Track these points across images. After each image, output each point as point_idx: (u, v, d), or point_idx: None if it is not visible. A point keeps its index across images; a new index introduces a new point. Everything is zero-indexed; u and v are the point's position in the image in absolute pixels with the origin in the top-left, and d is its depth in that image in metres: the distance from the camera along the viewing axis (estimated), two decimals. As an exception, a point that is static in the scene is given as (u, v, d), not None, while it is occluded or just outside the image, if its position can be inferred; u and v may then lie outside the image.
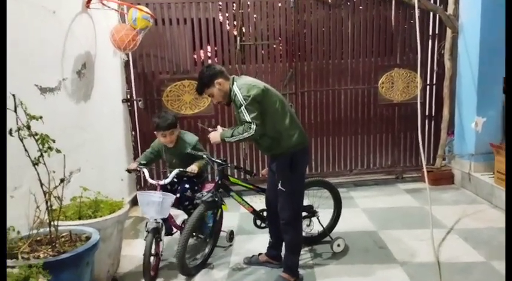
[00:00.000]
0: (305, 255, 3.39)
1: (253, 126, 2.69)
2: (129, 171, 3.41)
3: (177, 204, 3.34)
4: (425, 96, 5.41)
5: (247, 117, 2.69)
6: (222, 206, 3.30)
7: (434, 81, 5.42)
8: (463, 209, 4.32)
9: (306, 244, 3.50)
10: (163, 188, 3.19)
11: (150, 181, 3.14)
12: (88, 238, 2.44)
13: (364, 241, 3.64)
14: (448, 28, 5.11)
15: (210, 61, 5.10)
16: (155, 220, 2.99)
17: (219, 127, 3.06)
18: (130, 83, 4.97)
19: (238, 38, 4.98)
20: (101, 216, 2.84)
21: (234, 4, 4.96)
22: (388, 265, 3.20)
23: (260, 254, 3.31)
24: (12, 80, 2.57)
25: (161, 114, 3.49)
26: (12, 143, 2.20)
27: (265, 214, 3.33)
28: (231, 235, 3.65)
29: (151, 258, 2.96)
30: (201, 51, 5.23)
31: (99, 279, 2.86)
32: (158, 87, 5.03)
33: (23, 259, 2.16)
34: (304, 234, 3.23)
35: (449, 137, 5.47)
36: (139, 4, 4.23)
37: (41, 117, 2.26)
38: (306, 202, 3.23)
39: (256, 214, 3.37)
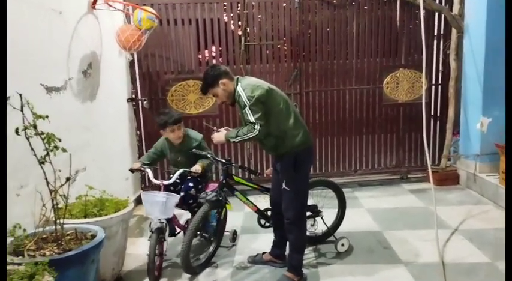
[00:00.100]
0: (309, 254, 3.39)
1: (257, 127, 2.70)
2: (132, 170, 3.41)
3: (181, 204, 3.34)
4: (430, 96, 5.39)
5: (252, 118, 2.71)
6: (227, 205, 3.31)
7: (439, 82, 5.40)
8: (468, 210, 4.31)
9: (310, 244, 3.50)
10: (167, 188, 3.20)
11: (154, 181, 3.15)
12: (93, 236, 2.46)
13: (369, 241, 3.64)
14: (453, 28, 5.09)
15: (214, 61, 5.12)
16: (159, 220, 3.00)
17: (222, 129, 3.08)
18: (135, 83, 4.99)
19: (242, 38, 4.99)
20: (106, 214, 2.86)
21: (239, 4, 4.97)
22: (392, 265, 3.19)
23: (264, 253, 3.32)
24: (18, 79, 2.61)
25: (164, 112, 3.52)
26: (18, 142, 2.22)
27: (269, 213, 3.34)
28: (234, 235, 3.66)
29: (155, 258, 2.98)
30: (206, 51, 5.25)
31: (104, 277, 2.89)
32: (163, 87, 5.05)
33: (29, 256, 2.19)
34: (308, 233, 3.23)
35: (455, 138, 5.45)
36: (144, 5, 4.26)
37: (47, 117, 2.27)
38: (310, 202, 3.23)
39: (261, 213, 3.38)
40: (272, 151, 3.02)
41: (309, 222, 3.39)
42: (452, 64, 5.16)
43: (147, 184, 5.08)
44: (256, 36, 5.05)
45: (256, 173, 3.73)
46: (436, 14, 5.21)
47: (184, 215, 3.92)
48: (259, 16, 5.04)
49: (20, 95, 2.18)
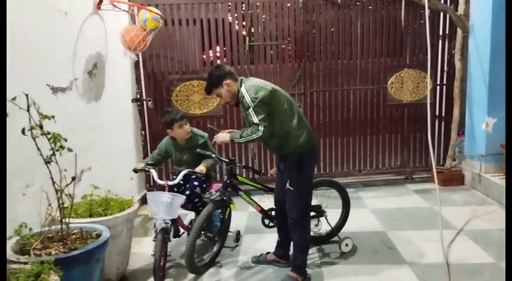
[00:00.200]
0: (313, 254, 3.39)
1: (261, 128, 2.72)
2: (135, 171, 3.41)
3: (186, 204, 3.35)
4: (435, 96, 5.37)
5: (255, 119, 2.72)
6: (231, 205, 3.32)
7: (444, 82, 5.38)
8: (473, 210, 4.29)
9: (314, 244, 3.50)
10: (171, 189, 3.21)
11: (159, 181, 3.16)
12: (98, 236, 2.48)
13: (373, 241, 3.64)
14: (458, 28, 5.07)
15: (218, 61, 5.13)
16: (164, 220, 3.00)
17: (226, 131, 3.08)
18: (140, 83, 5.02)
19: (247, 39, 5.00)
20: (111, 214, 2.87)
21: (243, 5, 4.98)
22: (396, 266, 3.19)
23: (268, 253, 3.33)
24: (25, 79, 2.63)
25: (168, 111, 3.56)
26: (25, 142, 2.24)
27: (273, 213, 3.35)
28: (237, 235, 3.66)
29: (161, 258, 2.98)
30: (210, 51, 5.26)
31: (109, 276, 2.90)
32: (167, 87, 5.07)
33: (35, 255, 2.20)
34: (312, 234, 3.24)
35: (460, 138, 5.43)
36: (149, 5, 4.28)
37: (53, 117, 2.28)
38: (314, 202, 3.23)
39: (265, 213, 3.38)
40: (276, 151, 3.03)
41: (313, 222, 3.39)
42: (458, 64, 5.14)
43: (152, 184, 5.10)
44: (261, 37, 5.06)
45: (260, 173, 3.74)
46: (441, 14, 5.19)
47: (188, 216, 3.94)
48: (264, 16, 5.05)
49: (27, 95, 2.19)
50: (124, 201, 3.09)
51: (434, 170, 3.55)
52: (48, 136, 2.26)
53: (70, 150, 2.33)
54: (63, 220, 2.39)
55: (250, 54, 5.05)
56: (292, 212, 2.92)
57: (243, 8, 5.02)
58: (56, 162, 2.29)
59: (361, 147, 5.43)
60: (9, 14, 2.43)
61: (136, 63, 4.96)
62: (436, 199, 3.16)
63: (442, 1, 5.09)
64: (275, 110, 2.80)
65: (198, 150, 3.35)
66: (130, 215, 2.99)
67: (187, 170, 3.22)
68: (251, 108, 2.73)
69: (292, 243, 3.08)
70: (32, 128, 2.20)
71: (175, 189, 3.35)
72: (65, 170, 2.36)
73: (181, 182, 3.30)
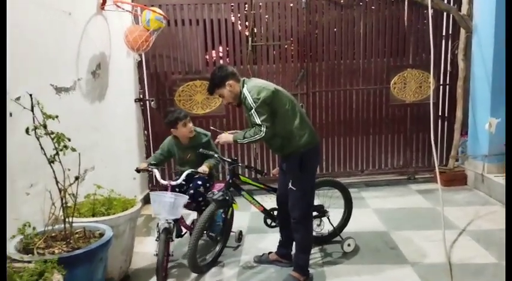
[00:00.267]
0: (315, 254, 3.40)
1: (264, 129, 2.74)
2: (138, 170, 3.42)
3: (189, 204, 3.36)
4: (438, 96, 5.36)
5: (258, 120, 2.74)
6: (233, 205, 3.32)
7: (447, 82, 5.37)
8: (475, 211, 4.28)
9: (316, 244, 3.50)
10: (173, 189, 3.21)
11: (161, 181, 3.17)
12: (101, 235, 2.49)
13: (375, 241, 3.64)
14: (461, 28, 5.06)
15: (221, 61, 5.14)
16: (166, 220, 3.01)
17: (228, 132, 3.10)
18: (143, 83, 5.03)
19: (250, 39, 5.00)
20: (114, 213, 2.89)
21: (246, 5, 4.99)
22: (398, 266, 3.19)
23: (270, 252, 3.34)
24: (29, 79, 2.65)
25: (170, 110, 3.58)
26: (29, 142, 2.26)
27: (275, 213, 3.35)
28: (240, 235, 3.67)
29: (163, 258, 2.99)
30: (213, 51, 5.28)
31: (112, 275, 2.91)
32: (170, 87, 5.09)
33: (38, 254, 2.22)
34: (314, 234, 3.24)
35: (463, 138, 5.42)
36: (152, 6, 4.30)
37: (57, 117, 2.30)
38: (316, 202, 3.24)
39: (267, 213, 3.39)
40: (278, 151, 3.05)
41: (315, 222, 3.39)
42: (461, 64, 5.14)
43: (155, 184, 5.12)
44: (263, 37, 5.07)
45: (262, 173, 3.74)
46: (445, 13, 5.18)
47: (190, 216, 3.95)
48: (267, 16, 5.06)
49: (31, 95, 2.21)
50: (127, 201, 3.11)
51: (437, 170, 3.55)
52: (52, 136, 2.28)
53: (74, 150, 2.34)
54: (67, 219, 2.40)
55: (253, 54, 5.06)
56: (294, 212, 2.92)
57: (246, 8, 5.02)
58: (60, 161, 2.31)
59: (364, 147, 5.43)
60: (13, 14, 2.45)
61: (140, 64, 4.98)
62: (439, 199, 3.17)
63: (445, 1, 5.08)
64: (277, 111, 2.81)
65: (201, 150, 3.36)
66: (133, 215, 3.00)
67: (190, 170, 3.23)
68: (253, 109, 2.75)
69: (294, 243, 3.08)
70: (35, 128, 2.22)
71: (177, 189, 3.36)
72: (69, 170, 2.37)
73: (184, 182, 3.30)
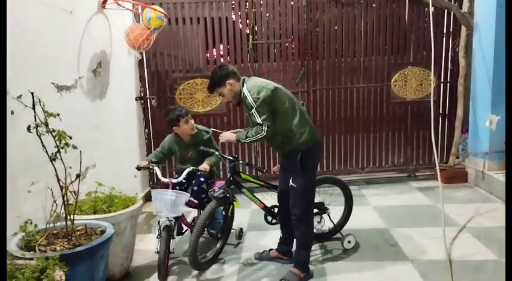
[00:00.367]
0: (316, 251, 3.41)
1: (265, 128, 2.76)
2: (138, 168, 3.43)
3: (190, 202, 3.37)
4: (439, 94, 5.37)
5: (259, 120, 2.75)
6: (234, 202, 3.33)
7: (448, 79, 5.37)
8: (476, 208, 4.29)
9: (316, 241, 3.52)
10: (174, 186, 3.22)
11: (162, 179, 3.18)
12: (103, 232, 2.51)
13: (375, 239, 3.65)
14: (462, 26, 5.06)
15: (222, 60, 5.15)
16: (167, 218, 3.02)
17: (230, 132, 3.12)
18: (144, 81, 5.05)
19: (250, 37, 5.01)
20: (115, 211, 2.90)
21: (247, 3, 5.00)
22: (399, 262, 3.19)
23: (271, 249, 3.35)
24: (30, 78, 2.66)
25: (171, 108, 3.58)
26: (30, 140, 2.27)
27: (276, 210, 3.37)
28: (240, 232, 3.69)
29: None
30: (214, 50, 5.28)
31: (113, 272, 2.94)
32: (171, 85, 5.10)
33: (40, 251, 2.24)
34: (315, 231, 3.25)
35: (463, 135, 5.42)
36: (153, 4, 4.30)
37: (58, 115, 2.31)
38: (317, 199, 3.25)
39: (267, 210, 3.40)
40: (279, 149, 3.06)
41: (316, 219, 3.40)
42: (462, 62, 5.13)
43: (156, 182, 5.13)
44: (264, 35, 5.07)
45: (263, 171, 3.75)
46: (445, 11, 5.17)
47: (191, 213, 3.96)
48: (267, 14, 5.06)
49: (32, 93, 2.22)
50: (128, 198, 3.12)
51: (438, 168, 3.56)
52: (53, 134, 2.29)
53: (75, 147, 2.35)
54: (68, 217, 2.42)
55: (254, 52, 5.07)
56: (295, 209, 2.93)
57: (247, 7, 5.03)
58: (61, 159, 2.32)
59: (364, 145, 5.44)
60: (14, 13, 2.47)
61: (141, 62, 4.99)
62: (439, 196, 3.17)
63: (446, -1, 5.08)
64: (277, 109, 2.82)
65: (201, 148, 3.37)
66: (134, 212, 3.02)
67: (191, 168, 3.24)
68: (254, 109, 2.76)
69: (295, 240, 3.09)
70: (37, 126, 2.23)
71: (177, 187, 3.37)
72: (70, 168, 2.39)
73: (184, 180, 3.31)
